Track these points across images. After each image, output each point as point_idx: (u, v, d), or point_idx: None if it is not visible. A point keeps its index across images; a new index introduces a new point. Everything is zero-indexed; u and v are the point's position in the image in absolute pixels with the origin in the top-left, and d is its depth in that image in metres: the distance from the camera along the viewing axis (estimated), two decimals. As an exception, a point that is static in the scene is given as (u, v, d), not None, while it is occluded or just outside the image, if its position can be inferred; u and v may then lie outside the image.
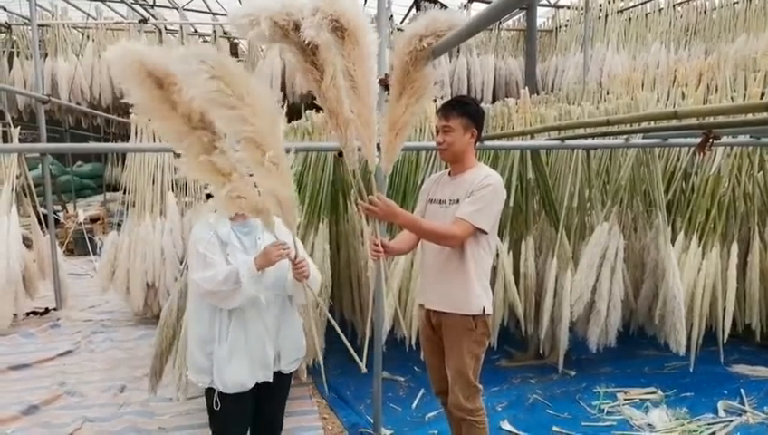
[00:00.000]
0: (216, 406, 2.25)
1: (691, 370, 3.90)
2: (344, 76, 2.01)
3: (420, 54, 2.21)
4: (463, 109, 2.44)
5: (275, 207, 2.04)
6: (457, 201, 2.44)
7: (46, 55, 9.59)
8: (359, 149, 2.15)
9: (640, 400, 3.62)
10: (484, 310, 2.44)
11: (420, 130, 4.14)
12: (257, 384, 2.28)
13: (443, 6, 12.61)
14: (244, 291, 2.11)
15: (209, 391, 2.28)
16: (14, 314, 5.25)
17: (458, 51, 10.40)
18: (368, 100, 2.03)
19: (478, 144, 2.82)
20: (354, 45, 1.94)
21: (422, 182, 3.34)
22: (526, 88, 5.00)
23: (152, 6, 10.51)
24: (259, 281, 2.14)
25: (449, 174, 2.57)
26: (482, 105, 3.35)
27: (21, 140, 5.68)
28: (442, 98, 3.04)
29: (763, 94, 3.90)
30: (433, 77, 2.28)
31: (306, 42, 1.88)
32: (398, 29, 10.57)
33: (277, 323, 2.31)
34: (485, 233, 2.40)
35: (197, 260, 2.20)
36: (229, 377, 2.21)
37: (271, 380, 2.29)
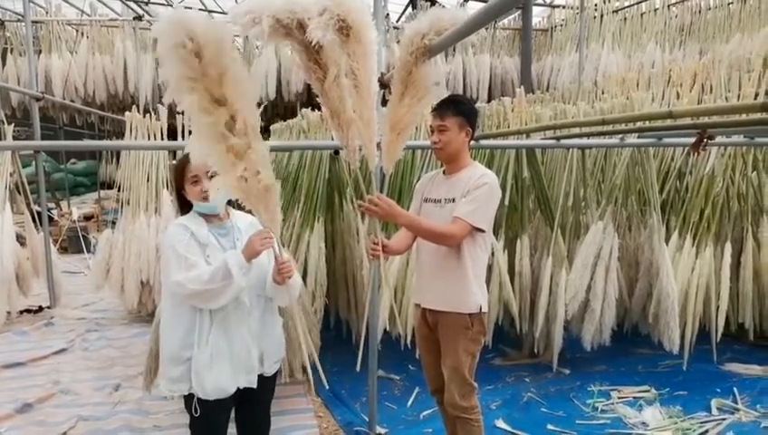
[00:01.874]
0: (196, 412, 2.17)
1: (684, 368, 3.92)
2: (347, 75, 1.98)
3: (422, 53, 2.19)
4: (457, 108, 2.44)
5: (263, 208, 1.97)
6: (453, 200, 2.44)
7: (40, 52, 9.55)
8: (359, 149, 2.14)
9: (634, 398, 3.64)
10: (480, 308, 2.45)
11: (416, 128, 4.14)
12: (239, 388, 2.21)
13: (439, 6, 12.61)
14: (236, 284, 2.03)
15: (188, 397, 2.20)
16: (8, 312, 5.22)
17: (454, 50, 10.41)
18: (369, 99, 2.01)
19: (473, 143, 2.83)
20: (358, 43, 1.92)
21: (418, 181, 3.34)
22: (522, 87, 5.00)
23: (147, 3, 10.46)
24: (248, 274, 2.07)
25: (444, 173, 2.58)
26: (478, 104, 3.34)
27: (14, 138, 5.63)
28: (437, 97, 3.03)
29: (756, 94, 3.92)
30: (432, 76, 2.24)
31: (313, 43, 1.86)
32: (395, 27, 10.57)
33: (260, 324, 2.24)
34: (483, 231, 2.41)
35: (177, 262, 2.08)
36: (209, 383, 2.12)
37: (255, 385, 2.22)
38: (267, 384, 2.33)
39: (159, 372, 2.92)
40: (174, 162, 5.48)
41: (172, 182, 2.38)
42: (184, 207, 2.29)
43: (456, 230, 2.34)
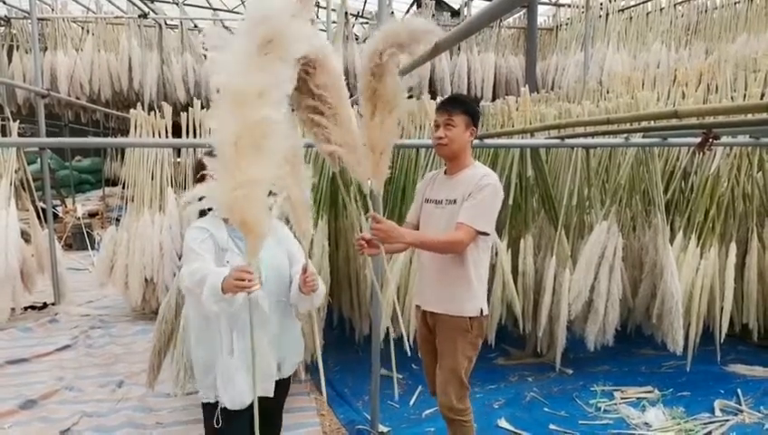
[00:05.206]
0: (218, 423, 2.09)
1: (688, 369, 3.91)
2: (322, 106, 1.91)
3: (383, 69, 2.03)
4: (465, 106, 2.43)
5: (291, 212, 1.90)
6: (454, 201, 2.42)
7: (46, 49, 9.57)
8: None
9: (637, 398, 3.63)
10: (480, 311, 2.44)
11: (420, 127, 4.14)
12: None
13: (444, 5, 12.61)
14: (206, 305, 1.86)
15: (208, 405, 2.14)
16: (12, 309, 5.25)
17: (459, 48, 10.40)
18: (349, 124, 1.96)
19: (477, 142, 2.82)
20: (327, 75, 1.87)
21: (422, 180, 3.33)
22: (526, 86, 5.00)
23: (152, 1, 10.48)
24: (222, 301, 1.84)
25: (445, 172, 2.55)
26: (482, 103, 3.32)
27: (20, 134, 5.66)
28: (442, 96, 3.01)
29: (763, 95, 3.89)
30: (400, 87, 2.08)
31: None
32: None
33: (279, 329, 2.17)
34: (488, 235, 2.40)
35: (187, 256, 2.05)
36: (232, 393, 2.05)
37: (271, 394, 2.15)
38: (283, 385, 2.29)
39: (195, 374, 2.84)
40: (178, 160, 5.50)
41: (192, 180, 2.26)
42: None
43: (462, 236, 2.32)
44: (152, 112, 5.08)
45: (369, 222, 2.18)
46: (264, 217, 1.65)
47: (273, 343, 2.14)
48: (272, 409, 2.30)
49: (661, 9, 9.39)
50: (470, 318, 2.42)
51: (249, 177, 1.56)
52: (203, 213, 2.17)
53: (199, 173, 2.13)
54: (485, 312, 2.47)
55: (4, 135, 5.53)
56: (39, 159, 6.66)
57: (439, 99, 4.80)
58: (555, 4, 11.42)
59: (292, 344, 2.27)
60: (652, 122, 3.69)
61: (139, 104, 5.46)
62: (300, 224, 1.92)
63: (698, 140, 2.75)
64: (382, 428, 3.21)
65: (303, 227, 1.92)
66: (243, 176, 1.56)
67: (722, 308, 3.98)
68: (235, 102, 1.52)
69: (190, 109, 4.80)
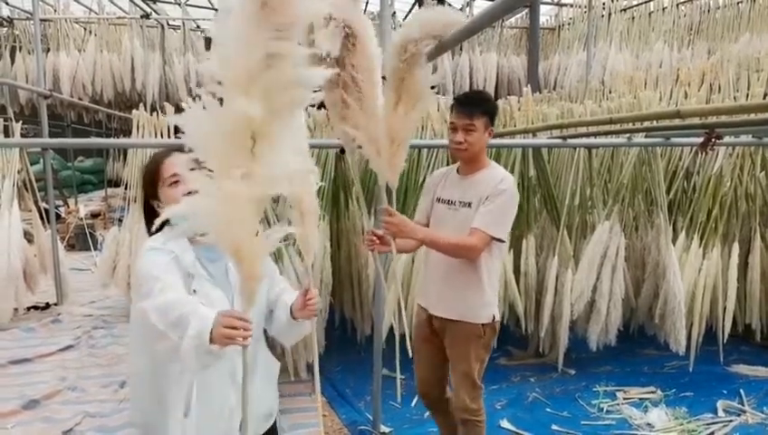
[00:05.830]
0: None
1: (691, 369, 3.90)
2: (354, 87, 1.87)
3: (414, 59, 2.01)
4: (485, 107, 2.34)
5: (297, 222, 1.59)
6: (468, 205, 2.35)
7: (48, 50, 9.60)
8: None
9: (640, 399, 3.62)
10: (493, 317, 2.42)
11: (422, 127, 4.13)
12: None
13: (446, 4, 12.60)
14: (184, 355, 1.38)
15: None
16: (15, 309, 5.25)
17: (461, 48, 10.39)
18: (375, 115, 1.92)
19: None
20: (362, 55, 1.84)
21: (423, 180, 3.31)
22: (529, 86, 4.99)
23: (154, 2, 10.50)
24: (209, 354, 1.37)
25: (458, 171, 2.47)
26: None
27: (23, 135, 5.67)
28: (444, 95, 2.99)
29: (765, 94, 3.89)
30: (429, 80, 2.05)
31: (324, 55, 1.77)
32: (401, 27, 10.55)
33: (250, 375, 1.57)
34: (503, 242, 2.35)
35: (150, 285, 1.52)
36: None
37: None
38: None
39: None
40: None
41: (140, 192, 1.78)
42: (152, 224, 1.60)
43: (476, 242, 2.25)
44: (154, 113, 5.08)
45: (381, 216, 2.15)
46: (265, 245, 1.31)
47: (239, 392, 1.57)
48: None
49: (663, 9, 9.38)
50: (483, 325, 2.39)
51: (247, 189, 1.23)
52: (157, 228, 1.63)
53: (169, 173, 1.71)
54: (497, 318, 2.44)
55: (7, 136, 5.54)
56: (42, 160, 6.68)
57: (442, 98, 4.81)
58: (558, 4, 11.41)
59: (265, 397, 1.78)
60: (655, 122, 3.69)
61: (141, 105, 5.46)
62: (306, 237, 1.62)
63: (701, 139, 2.75)
64: (384, 428, 3.21)
65: (310, 240, 1.63)
66: (238, 188, 1.22)
67: (725, 308, 3.97)
68: (229, 90, 1.20)
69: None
